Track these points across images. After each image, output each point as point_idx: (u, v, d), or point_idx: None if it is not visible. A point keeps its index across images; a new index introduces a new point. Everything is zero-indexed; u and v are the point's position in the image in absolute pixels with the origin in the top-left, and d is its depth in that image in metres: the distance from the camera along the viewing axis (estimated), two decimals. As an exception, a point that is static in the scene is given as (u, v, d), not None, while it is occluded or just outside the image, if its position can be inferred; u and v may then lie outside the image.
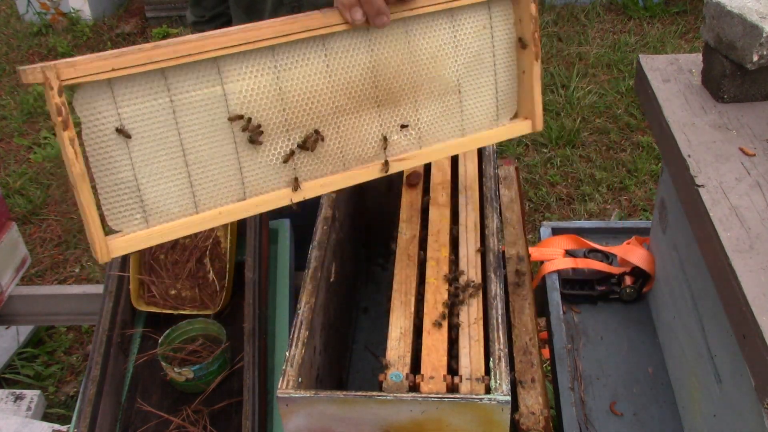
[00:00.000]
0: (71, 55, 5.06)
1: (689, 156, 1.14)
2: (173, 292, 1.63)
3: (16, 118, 4.42)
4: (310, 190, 0.98)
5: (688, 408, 1.29)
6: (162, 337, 1.51)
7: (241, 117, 0.91)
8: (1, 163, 4.06)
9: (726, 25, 1.21)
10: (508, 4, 1.05)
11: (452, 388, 1.02)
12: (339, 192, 1.39)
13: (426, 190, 1.38)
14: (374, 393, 0.98)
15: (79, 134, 0.83)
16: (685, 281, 1.30)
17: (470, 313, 1.13)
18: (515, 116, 1.12)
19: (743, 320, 0.91)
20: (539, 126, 1.10)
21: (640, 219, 3.28)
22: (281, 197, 0.97)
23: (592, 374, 1.44)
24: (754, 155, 1.14)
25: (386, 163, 1.03)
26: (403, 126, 1.03)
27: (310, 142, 0.96)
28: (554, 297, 1.56)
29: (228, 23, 1.76)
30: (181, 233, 0.92)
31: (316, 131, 0.96)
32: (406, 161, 1.05)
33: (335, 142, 0.99)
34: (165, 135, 0.87)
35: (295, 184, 0.96)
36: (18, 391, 2.26)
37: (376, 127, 1.01)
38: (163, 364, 1.45)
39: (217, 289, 1.62)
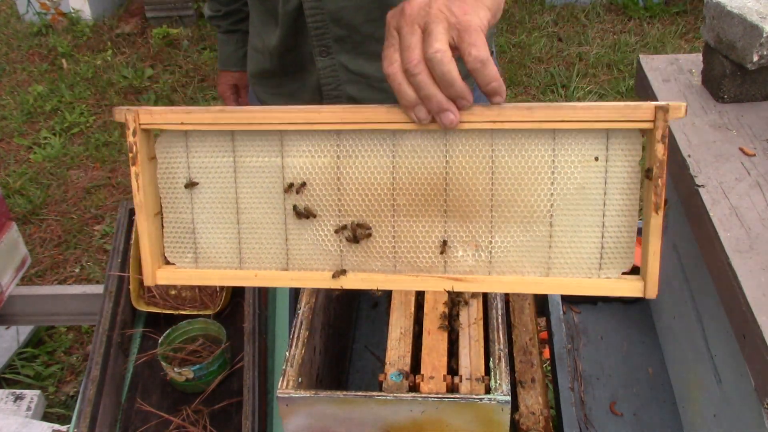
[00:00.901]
0: (72, 56, 5.06)
1: (689, 156, 1.14)
2: (173, 292, 1.63)
3: (16, 118, 4.42)
4: (349, 281, 0.93)
5: (688, 408, 1.29)
6: (162, 337, 1.51)
7: (292, 185, 0.92)
8: (1, 163, 4.06)
9: (726, 25, 1.21)
10: (634, 137, 0.84)
11: (452, 388, 1.02)
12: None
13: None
14: (374, 393, 0.98)
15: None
16: (685, 281, 1.30)
17: (470, 313, 1.13)
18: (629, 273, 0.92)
19: (743, 320, 0.91)
20: (652, 292, 0.88)
21: (640, 219, 3.27)
22: (321, 279, 0.94)
23: (592, 374, 1.44)
24: (754, 155, 1.14)
25: (444, 279, 0.91)
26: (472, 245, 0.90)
27: (359, 235, 0.91)
28: (554, 297, 1.56)
29: (244, 20, 1.75)
30: (218, 283, 0.98)
31: (361, 225, 0.91)
32: (467, 283, 0.91)
33: (388, 241, 0.91)
34: (224, 190, 0.94)
35: (337, 273, 0.92)
36: (18, 391, 2.26)
37: (437, 237, 0.90)
38: (163, 364, 1.45)
39: (217, 289, 1.62)
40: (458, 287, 0.91)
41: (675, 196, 1.32)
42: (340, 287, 0.94)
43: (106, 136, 4.20)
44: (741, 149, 1.16)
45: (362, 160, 0.89)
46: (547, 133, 0.85)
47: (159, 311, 1.59)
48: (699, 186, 1.08)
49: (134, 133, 0.90)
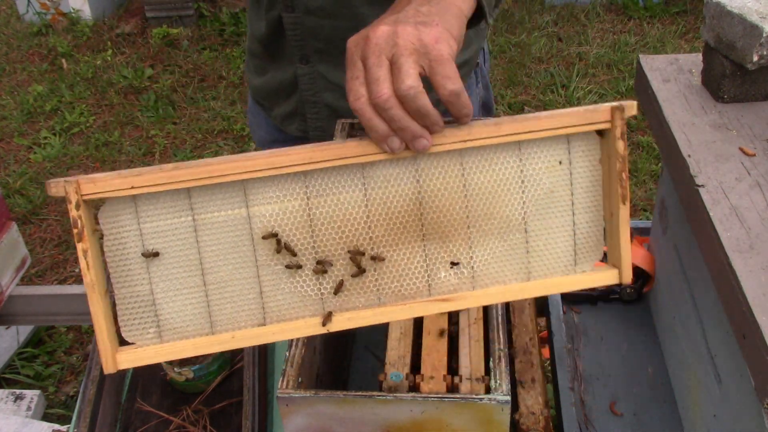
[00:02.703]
0: (72, 56, 5.06)
1: (689, 156, 1.14)
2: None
3: (16, 118, 4.42)
4: (335, 323, 0.91)
5: (688, 408, 1.29)
6: (162, 337, 1.51)
7: (274, 235, 0.87)
8: (1, 163, 4.06)
9: (726, 25, 1.21)
10: (592, 139, 0.89)
11: (452, 388, 1.02)
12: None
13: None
14: (374, 393, 0.98)
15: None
16: (685, 281, 1.30)
17: (470, 313, 1.13)
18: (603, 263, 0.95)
19: (743, 320, 0.91)
20: (626, 277, 0.92)
21: (640, 219, 3.28)
22: (305, 327, 0.91)
23: (592, 374, 1.44)
24: (754, 155, 1.14)
25: (431, 302, 0.91)
26: (453, 264, 0.90)
27: (366, 266, 0.88)
28: (554, 297, 1.56)
29: None
30: (190, 353, 0.90)
31: (376, 257, 0.88)
32: (454, 302, 0.91)
33: (370, 274, 0.90)
34: (184, 253, 0.87)
35: (325, 318, 0.89)
36: (18, 391, 2.26)
37: (419, 262, 0.90)
38: (163, 364, 1.45)
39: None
40: (445, 308, 0.91)
41: (675, 196, 1.32)
42: (326, 331, 0.91)
43: (106, 136, 4.20)
44: (741, 149, 1.16)
45: (333, 197, 0.87)
46: (512, 145, 0.88)
47: (159, 311, 1.59)
48: (699, 186, 1.08)
49: (77, 206, 0.81)
